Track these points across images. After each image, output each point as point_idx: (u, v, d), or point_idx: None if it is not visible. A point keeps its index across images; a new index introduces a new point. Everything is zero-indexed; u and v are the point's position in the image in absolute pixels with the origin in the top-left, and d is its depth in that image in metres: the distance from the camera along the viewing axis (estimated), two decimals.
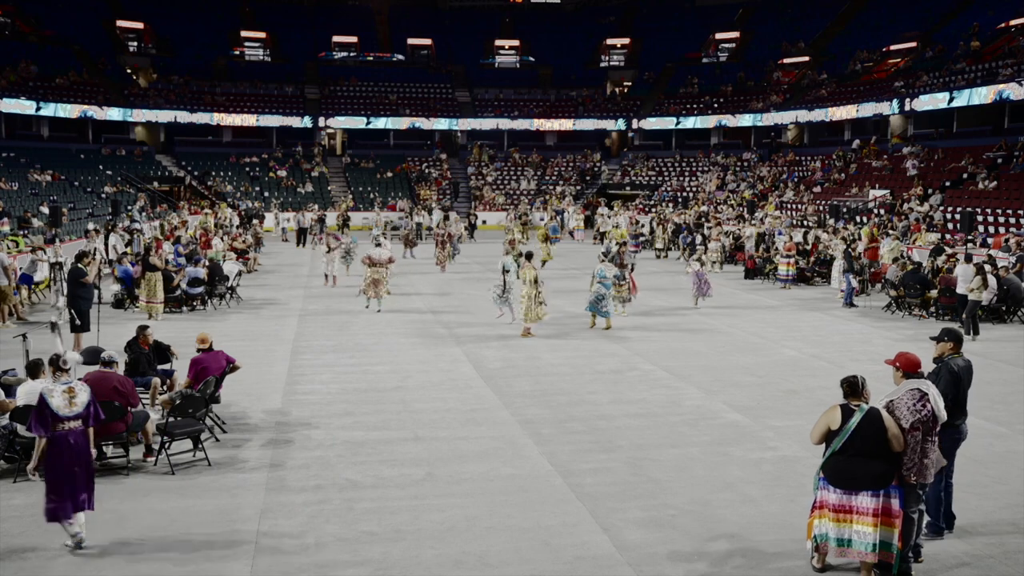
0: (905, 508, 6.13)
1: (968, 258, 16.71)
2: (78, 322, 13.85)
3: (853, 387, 6.20)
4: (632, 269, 17.75)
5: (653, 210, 39.77)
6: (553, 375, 12.45)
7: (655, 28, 55.07)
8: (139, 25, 50.64)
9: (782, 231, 27.83)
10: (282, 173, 46.42)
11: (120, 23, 50.39)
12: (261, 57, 54.11)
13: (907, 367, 6.35)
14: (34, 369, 8.13)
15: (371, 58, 54.60)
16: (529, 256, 15.97)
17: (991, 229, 26.88)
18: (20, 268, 17.77)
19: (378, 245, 19.25)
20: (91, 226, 24.93)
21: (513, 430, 9.78)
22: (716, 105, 48.47)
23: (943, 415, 6.25)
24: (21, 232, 24.25)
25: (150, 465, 8.54)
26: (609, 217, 36.08)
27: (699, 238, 27.99)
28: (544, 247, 26.60)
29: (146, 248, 18.47)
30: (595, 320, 16.16)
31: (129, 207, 34.14)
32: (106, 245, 23.98)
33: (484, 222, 40.80)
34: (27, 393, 8.07)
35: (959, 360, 6.91)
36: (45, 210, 28.61)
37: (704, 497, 7.77)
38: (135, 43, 50.84)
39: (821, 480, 6.27)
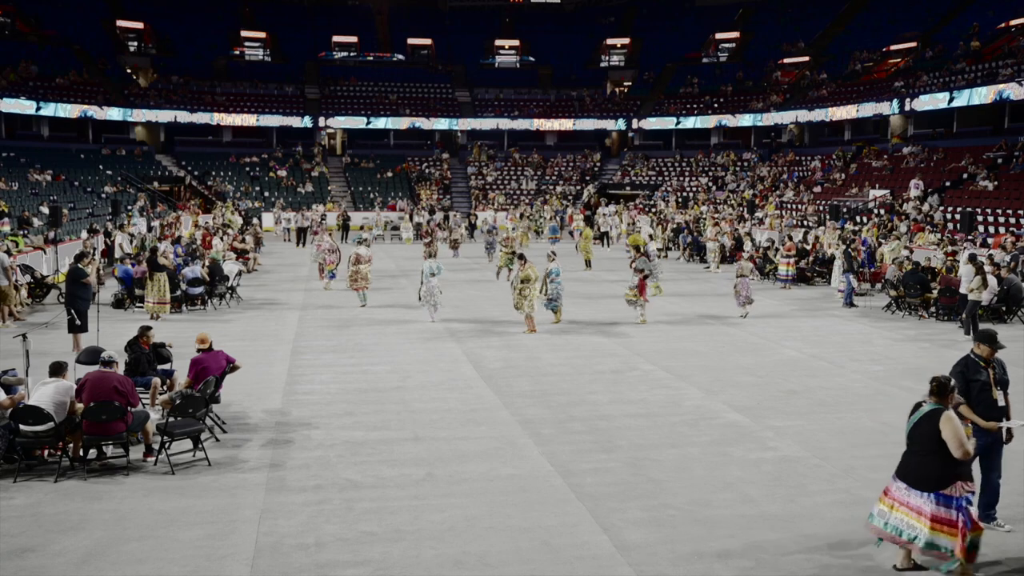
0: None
1: (972, 258, 16.68)
2: (77, 322, 13.83)
3: (940, 388, 6.29)
4: (649, 276, 16.74)
5: (653, 210, 39.77)
6: (553, 375, 12.44)
7: (655, 28, 55.09)
8: (139, 25, 50.66)
9: (867, 240, 24.25)
10: (282, 173, 46.44)
11: (120, 23, 50.41)
12: (261, 57, 54.12)
13: None
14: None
15: (371, 58, 54.64)
16: (522, 257, 16.30)
17: (991, 229, 26.89)
18: None
19: (360, 242, 19.85)
20: (84, 234, 24.83)
21: (513, 430, 9.78)
22: (716, 105, 48.46)
23: None
24: (21, 232, 24.22)
25: (150, 465, 8.54)
26: (609, 216, 35.93)
27: (749, 244, 25.46)
28: (585, 247, 26.35)
29: (152, 249, 18.41)
30: (559, 316, 16.47)
31: (129, 207, 34.13)
32: (111, 243, 24.03)
33: (485, 222, 40.71)
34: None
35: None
36: (45, 210, 28.60)
37: (704, 497, 7.76)
38: (135, 43, 50.87)
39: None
